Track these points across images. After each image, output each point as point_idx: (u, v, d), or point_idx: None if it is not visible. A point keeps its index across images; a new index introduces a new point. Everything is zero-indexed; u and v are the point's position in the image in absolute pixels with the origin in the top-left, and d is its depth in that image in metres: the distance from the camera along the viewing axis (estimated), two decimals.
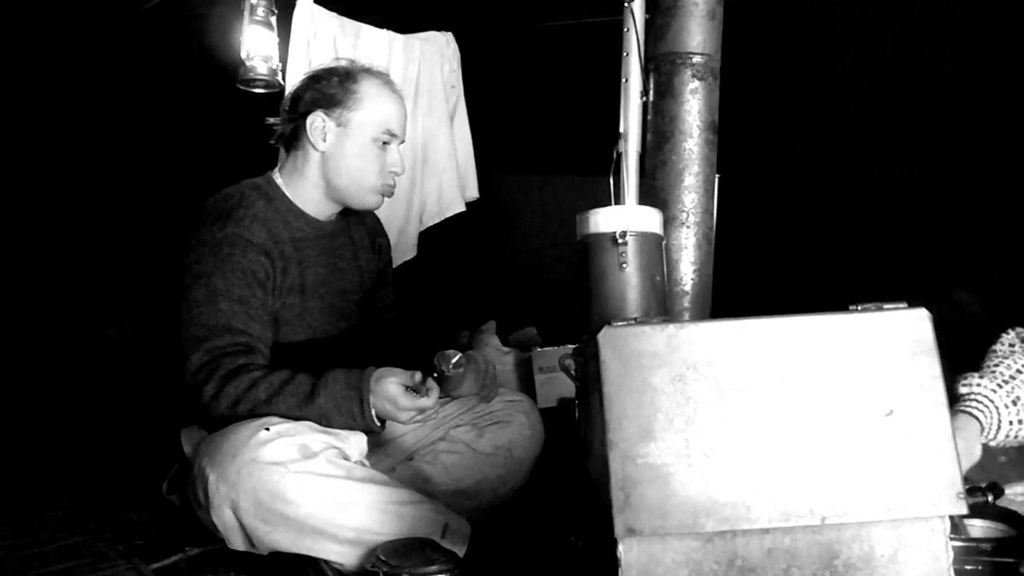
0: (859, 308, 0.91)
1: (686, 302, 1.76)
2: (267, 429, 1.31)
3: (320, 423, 1.39)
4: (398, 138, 1.62)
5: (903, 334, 0.89)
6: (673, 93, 1.75)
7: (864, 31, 2.99)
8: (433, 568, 1.16)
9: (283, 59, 2.51)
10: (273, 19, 2.48)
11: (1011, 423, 1.28)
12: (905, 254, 3.77)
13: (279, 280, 1.54)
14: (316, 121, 1.56)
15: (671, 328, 0.89)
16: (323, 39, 2.58)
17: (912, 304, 0.91)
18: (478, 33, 3.04)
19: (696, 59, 1.74)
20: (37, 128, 3.29)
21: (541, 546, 1.43)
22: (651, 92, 1.77)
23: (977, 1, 2.77)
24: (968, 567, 1.06)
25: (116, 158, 3.55)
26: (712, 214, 1.81)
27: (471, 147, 3.13)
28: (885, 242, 3.86)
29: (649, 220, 1.24)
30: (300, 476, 1.27)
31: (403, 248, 2.87)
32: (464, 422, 1.72)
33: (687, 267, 1.77)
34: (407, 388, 1.41)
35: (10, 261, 3.28)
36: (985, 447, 1.33)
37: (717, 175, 1.82)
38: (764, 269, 3.72)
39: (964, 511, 0.85)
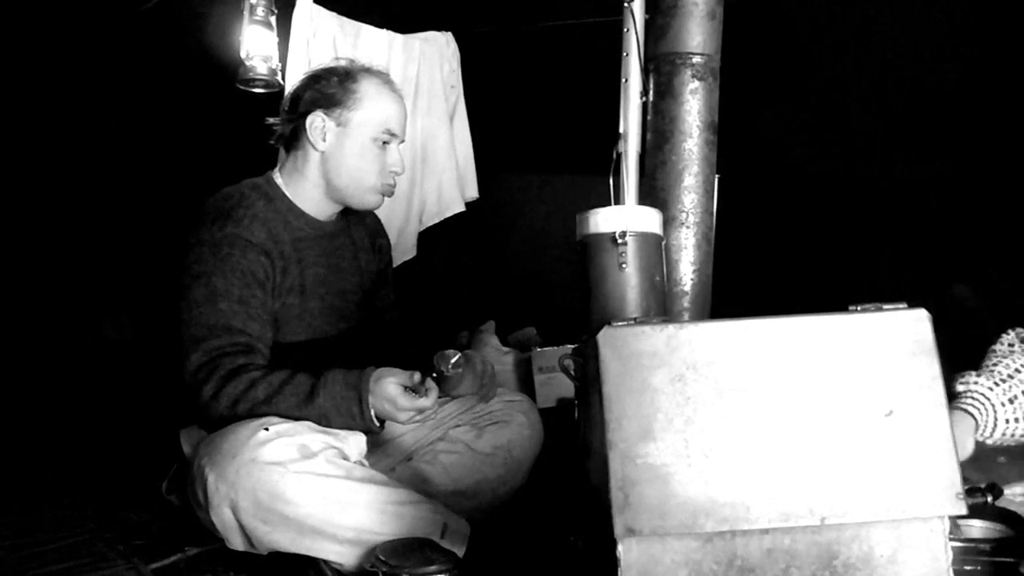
0: (859, 308, 0.91)
1: (686, 302, 1.76)
2: (266, 429, 1.30)
3: (319, 423, 1.39)
4: (398, 138, 1.62)
5: (903, 334, 0.89)
6: (673, 93, 1.75)
7: (864, 31, 2.99)
8: (432, 568, 1.16)
9: (283, 59, 2.51)
10: (273, 19, 2.48)
11: (1007, 421, 1.28)
12: (905, 254, 3.77)
13: (279, 280, 1.54)
14: (316, 121, 1.56)
15: (671, 328, 0.89)
16: (323, 39, 2.58)
17: (912, 304, 0.91)
18: (478, 33, 3.04)
19: (696, 59, 1.74)
20: (37, 128, 3.29)
21: (541, 546, 1.43)
22: (651, 92, 1.77)
23: (977, 1, 2.76)
24: (967, 567, 1.06)
25: (116, 158, 3.55)
26: (712, 214, 1.81)
27: (471, 147, 3.13)
28: (885, 242, 3.86)
29: (649, 220, 1.24)
30: (299, 476, 1.27)
31: (403, 248, 2.87)
32: (463, 422, 1.72)
33: (687, 267, 1.77)
34: (406, 388, 1.41)
35: (10, 261, 3.28)
36: (983, 447, 1.33)
37: (717, 175, 1.82)
38: (764, 269, 3.72)
39: (963, 511, 0.85)
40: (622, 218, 1.21)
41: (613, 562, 0.85)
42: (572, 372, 1.10)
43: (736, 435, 0.86)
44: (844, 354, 0.89)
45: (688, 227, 1.76)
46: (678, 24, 1.74)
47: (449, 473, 1.60)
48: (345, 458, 1.37)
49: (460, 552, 1.34)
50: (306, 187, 1.61)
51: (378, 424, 1.42)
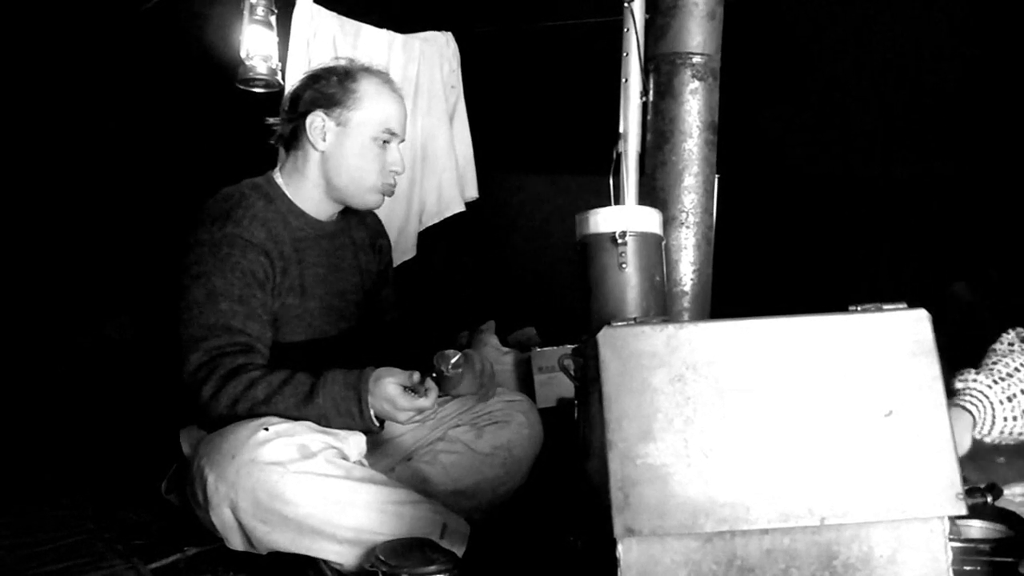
0: (859, 308, 0.91)
1: (685, 302, 1.76)
2: (266, 429, 1.30)
3: (319, 423, 1.39)
4: (398, 137, 1.62)
5: (903, 335, 0.89)
6: (673, 93, 1.75)
7: (864, 31, 2.99)
8: (432, 568, 1.16)
9: (283, 59, 2.51)
10: (273, 19, 2.49)
11: (1005, 419, 1.28)
12: (905, 254, 3.77)
13: (279, 280, 1.54)
14: (316, 121, 1.56)
15: (671, 328, 0.89)
16: (323, 39, 2.58)
17: (912, 304, 0.91)
18: (478, 33, 3.04)
19: (696, 59, 1.74)
20: (37, 128, 3.29)
21: (540, 546, 1.43)
22: (651, 92, 1.77)
23: (977, 1, 2.77)
24: (967, 568, 1.06)
25: (116, 158, 3.55)
26: (712, 214, 1.81)
27: (471, 147, 3.13)
28: (885, 242, 3.86)
29: (649, 220, 1.24)
30: (299, 476, 1.27)
31: (402, 248, 2.87)
32: (463, 422, 1.72)
33: (687, 267, 1.77)
34: (405, 388, 1.41)
35: (10, 261, 3.28)
36: (983, 448, 1.33)
37: (717, 175, 1.82)
38: (764, 269, 3.72)
39: (963, 512, 0.85)
40: (622, 218, 1.21)
41: (613, 562, 0.85)
42: (572, 372, 1.10)
43: (736, 435, 0.86)
44: (844, 354, 0.89)
45: (688, 227, 1.76)
46: (678, 24, 1.74)
47: (449, 473, 1.60)
48: (345, 458, 1.37)
49: (460, 552, 1.34)
50: (306, 187, 1.61)
51: (377, 424, 1.42)
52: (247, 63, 2.44)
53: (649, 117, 1.78)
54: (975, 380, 1.31)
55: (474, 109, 3.10)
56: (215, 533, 1.34)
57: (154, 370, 2.15)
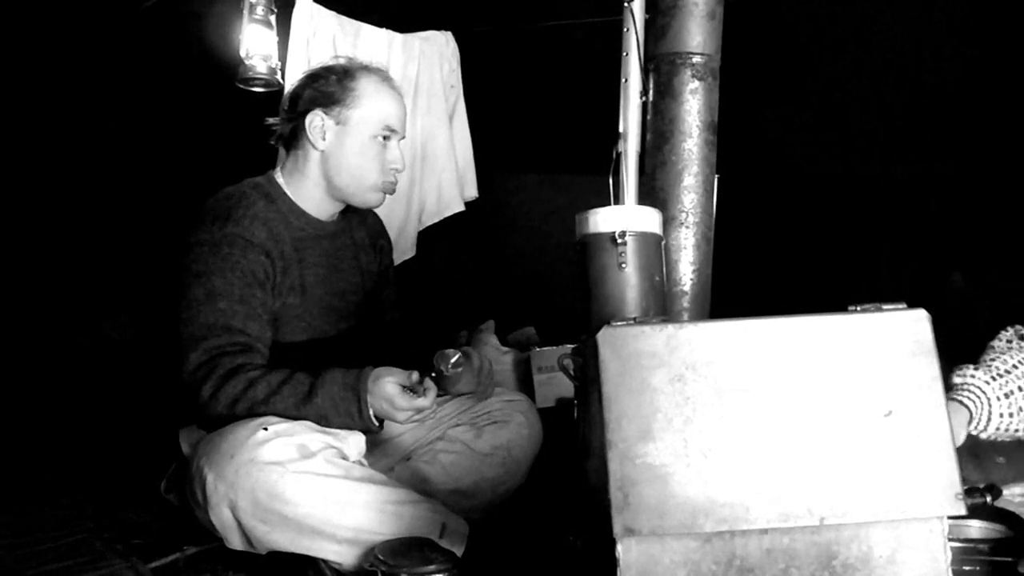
0: (858, 308, 0.91)
1: (685, 302, 1.76)
2: (265, 429, 1.30)
3: (318, 423, 1.39)
4: (398, 134, 1.62)
5: (902, 335, 0.89)
6: (673, 93, 1.75)
7: (864, 31, 2.99)
8: (431, 568, 1.16)
9: (282, 58, 2.50)
10: (272, 18, 2.48)
11: (1002, 416, 1.28)
12: (905, 254, 3.77)
13: (279, 280, 1.54)
14: (315, 120, 1.56)
15: (670, 328, 0.89)
16: (322, 38, 2.58)
17: (911, 304, 0.91)
18: (478, 32, 3.04)
19: (696, 59, 1.74)
20: (37, 128, 3.29)
21: (539, 546, 1.43)
22: (651, 92, 1.77)
23: (977, 1, 2.77)
24: (966, 568, 1.06)
25: (116, 157, 3.54)
26: (711, 214, 1.81)
27: (470, 146, 3.13)
28: (885, 242, 3.87)
29: (648, 220, 1.23)
30: (298, 476, 1.27)
31: (402, 247, 2.87)
32: (462, 422, 1.72)
33: (686, 267, 1.77)
34: (404, 388, 1.41)
35: (10, 260, 3.28)
36: (982, 447, 1.33)
37: (717, 175, 1.82)
38: (764, 269, 3.72)
39: (962, 512, 0.85)
40: (622, 218, 1.21)
41: (612, 562, 0.85)
42: (571, 372, 1.10)
43: (735, 435, 0.86)
44: (844, 354, 0.89)
45: (688, 227, 1.76)
46: (678, 24, 1.74)
47: (448, 473, 1.60)
48: (344, 458, 1.37)
49: (459, 551, 1.34)
50: (307, 186, 1.61)
51: (377, 424, 1.42)
52: (247, 62, 2.44)
53: (649, 117, 1.78)
54: (973, 375, 1.31)
55: (474, 109, 3.10)
56: (214, 533, 1.34)
57: (154, 370, 2.15)
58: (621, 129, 1.66)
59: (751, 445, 0.86)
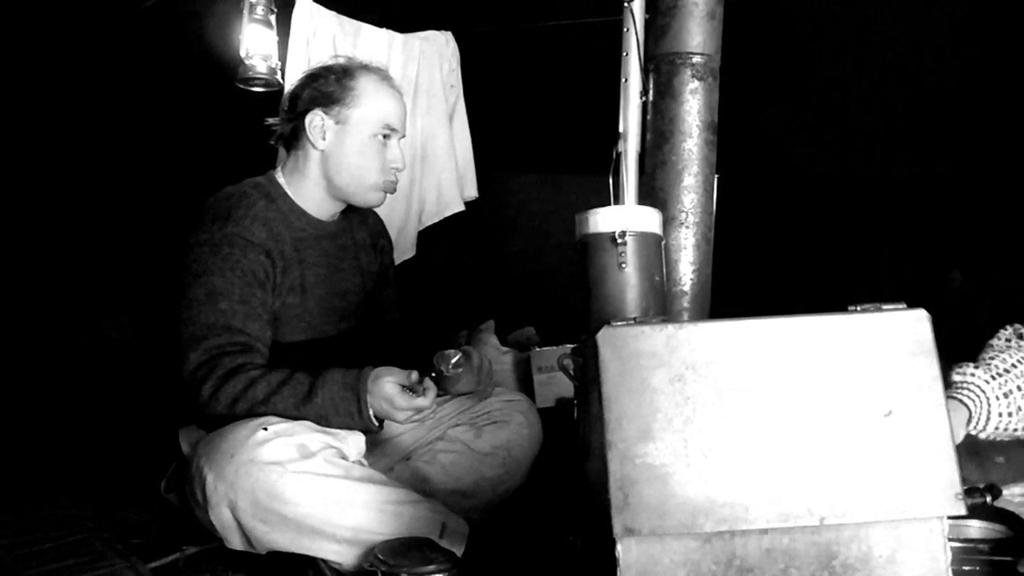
0: (858, 308, 0.91)
1: (685, 302, 1.76)
2: (265, 429, 1.30)
3: (318, 423, 1.39)
4: (398, 133, 1.62)
5: (902, 335, 0.89)
6: (673, 93, 1.75)
7: (864, 31, 2.99)
8: (431, 567, 1.16)
9: (282, 58, 2.51)
10: (272, 18, 2.49)
11: (1000, 415, 1.28)
12: (905, 254, 3.78)
13: (279, 280, 1.54)
14: (315, 120, 1.56)
15: (670, 328, 0.89)
16: (322, 38, 2.58)
17: (911, 304, 0.91)
18: (477, 32, 3.04)
19: (696, 59, 1.74)
20: (37, 127, 3.29)
21: (539, 546, 1.43)
22: (651, 92, 1.77)
23: (977, 1, 2.77)
24: (966, 568, 1.06)
25: (116, 157, 3.55)
26: (711, 214, 1.81)
27: (470, 146, 3.13)
28: (885, 242, 3.87)
29: (648, 220, 1.23)
30: (298, 476, 1.27)
31: (402, 247, 2.87)
32: (462, 422, 1.71)
33: (686, 267, 1.77)
34: (404, 388, 1.41)
35: (10, 260, 3.28)
36: (981, 446, 1.33)
37: (717, 175, 1.82)
38: (764, 269, 3.72)
39: (962, 512, 0.85)
40: (622, 218, 1.21)
41: (612, 562, 0.85)
42: (571, 372, 1.10)
43: (735, 435, 0.86)
44: (844, 354, 0.89)
45: (688, 227, 1.76)
46: (678, 24, 1.74)
47: (448, 472, 1.60)
48: (344, 458, 1.37)
49: (459, 551, 1.34)
50: (307, 186, 1.61)
51: (376, 424, 1.42)
52: (247, 62, 2.44)
53: (649, 117, 1.78)
54: (973, 374, 1.31)
55: (474, 109, 3.10)
56: (214, 532, 1.34)
57: (154, 370, 2.15)
58: (621, 129, 1.66)
59: (751, 445, 0.86)
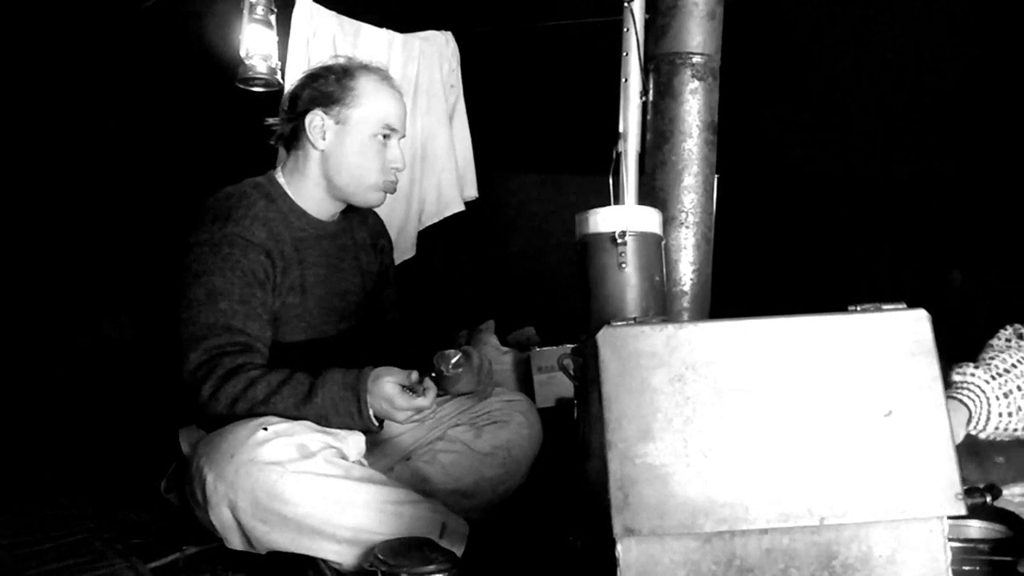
0: (858, 308, 0.91)
1: (685, 302, 1.76)
2: (265, 429, 1.30)
3: (318, 423, 1.38)
4: (398, 132, 1.61)
5: (902, 335, 0.89)
6: (673, 93, 1.75)
7: (864, 31, 2.99)
8: (431, 567, 1.16)
9: (282, 58, 2.51)
10: (272, 18, 2.49)
11: (1000, 415, 1.28)
12: (905, 254, 3.78)
13: (279, 280, 1.54)
14: (315, 120, 1.56)
15: (670, 328, 0.89)
16: (322, 38, 2.58)
17: (911, 304, 0.91)
18: (477, 32, 3.04)
19: (696, 59, 1.74)
20: (37, 127, 3.29)
21: (539, 546, 1.43)
22: (651, 92, 1.77)
23: (977, 1, 2.77)
24: (966, 567, 1.06)
25: (116, 157, 3.55)
26: (711, 214, 1.81)
27: (470, 146, 3.13)
28: (885, 242, 3.87)
29: (648, 220, 1.23)
30: (298, 476, 1.27)
31: (402, 247, 2.87)
32: (462, 422, 1.71)
33: (686, 267, 1.77)
34: (404, 387, 1.41)
35: (10, 260, 3.28)
36: (982, 446, 1.33)
37: (716, 175, 1.82)
38: (764, 269, 3.72)
39: (962, 512, 0.85)
40: (622, 218, 1.21)
41: (612, 562, 0.85)
42: (571, 372, 1.10)
43: (735, 435, 0.86)
44: (843, 354, 0.89)
45: (688, 227, 1.76)
46: (678, 24, 1.74)
47: (448, 472, 1.60)
48: (344, 458, 1.37)
49: (459, 551, 1.34)
50: (308, 186, 1.61)
51: (376, 423, 1.42)
52: (247, 62, 2.44)
53: (649, 117, 1.78)
54: (973, 374, 1.31)
55: (474, 109, 3.10)
56: (214, 533, 1.34)
57: (154, 370, 2.15)
58: (621, 129, 1.66)
59: (751, 445, 0.86)
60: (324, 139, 1.57)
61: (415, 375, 1.43)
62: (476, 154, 3.14)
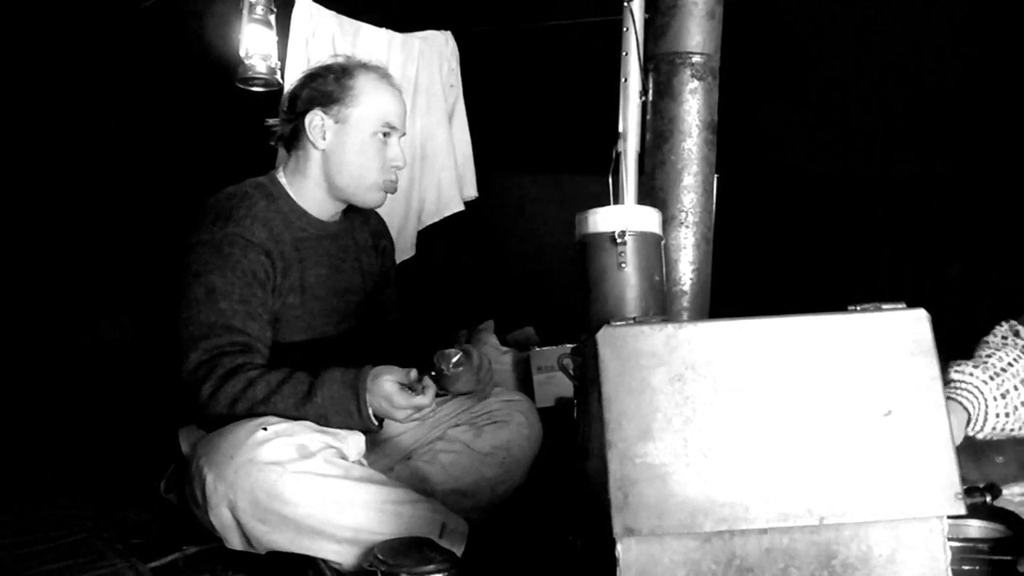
0: (858, 308, 0.91)
1: (685, 302, 1.76)
2: (265, 429, 1.30)
3: (318, 422, 1.39)
4: (398, 131, 1.61)
5: (902, 334, 0.89)
6: (672, 93, 1.75)
7: (864, 31, 2.99)
8: (431, 567, 1.16)
9: (282, 58, 2.51)
10: (272, 17, 2.49)
11: (998, 415, 1.28)
12: (905, 254, 3.77)
13: (279, 280, 1.54)
14: (315, 120, 1.56)
15: (670, 328, 0.89)
16: (322, 38, 2.58)
17: (911, 304, 0.91)
18: (477, 32, 3.04)
19: (695, 59, 1.74)
20: (36, 127, 3.29)
21: (539, 546, 1.43)
22: (650, 92, 1.77)
23: (977, 1, 2.77)
24: (966, 567, 1.06)
25: (115, 157, 3.54)
26: (711, 214, 1.81)
27: (470, 146, 3.13)
28: (885, 242, 3.86)
29: (648, 220, 1.23)
30: (298, 476, 1.27)
31: (401, 247, 2.87)
32: (462, 421, 1.72)
33: (686, 267, 1.77)
34: (403, 386, 1.41)
35: (10, 261, 3.28)
36: (980, 444, 1.33)
37: (716, 175, 1.82)
38: (764, 269, 3.72)
39: (962, 511, 0.85)
40: (621, 218, 1.21)
41: (612, 562, 0.85)
42: (571, 371, 1.10)
43: (735, 435, 0.86)
44: (843, 354, 0.89)
45: (687, 227, 1.76)
46: (678, 24, 1.74)
47: (448, 472, 1.60)
48: (344, 457, 1.37)
49: (459, 551, 1.34)
50: (308, 187, 1.61)
51: (376, 423, 1.42)
52: (246, 62, 2.44)
53: (648, 117, 1.77)
54: (971, 374, 1.31)
55: (473, 109, 3.10)
56: (214, 533, 1.34)
57: (154, 370, 2.15)
58: (621, 129, 1.66)
59: (751, 445, 0.86)
60: (324, 139, 1.57)
61: (414, 373, 1.43)
62: (476, 154, 3.14)
